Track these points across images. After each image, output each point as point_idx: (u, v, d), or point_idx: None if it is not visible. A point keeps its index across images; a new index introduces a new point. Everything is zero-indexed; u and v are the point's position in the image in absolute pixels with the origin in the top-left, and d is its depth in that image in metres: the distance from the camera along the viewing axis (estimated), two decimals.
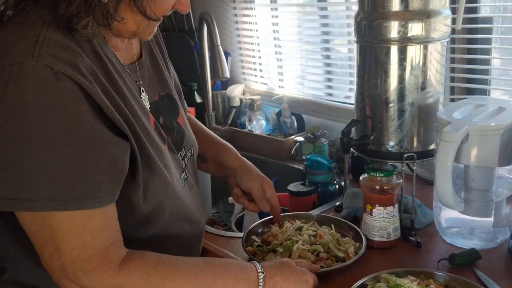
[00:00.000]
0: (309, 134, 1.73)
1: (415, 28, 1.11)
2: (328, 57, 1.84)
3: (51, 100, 0.72)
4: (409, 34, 1.11)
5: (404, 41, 1.12)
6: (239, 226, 1.45)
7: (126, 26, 0.83)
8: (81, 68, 0.75)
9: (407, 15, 1.10)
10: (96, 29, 0.78)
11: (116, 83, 0.83)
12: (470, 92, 1.45)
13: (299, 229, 1.15)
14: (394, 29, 1.11)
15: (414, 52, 1.13)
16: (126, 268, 0.79)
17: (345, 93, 1.80)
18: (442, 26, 1.13)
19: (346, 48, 1.80)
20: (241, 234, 1.19)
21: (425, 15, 1.10)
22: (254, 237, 1.17)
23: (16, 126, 0.71)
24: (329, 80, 1.85)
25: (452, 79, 1.46)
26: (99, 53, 0.82)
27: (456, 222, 1.15)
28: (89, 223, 0.76)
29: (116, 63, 0.87)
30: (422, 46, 1.13)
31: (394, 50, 1.13)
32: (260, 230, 1.21)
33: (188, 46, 2.17)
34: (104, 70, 0.81)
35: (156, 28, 0.90)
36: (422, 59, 1.14)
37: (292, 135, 1.81)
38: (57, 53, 0.74)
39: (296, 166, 1.70)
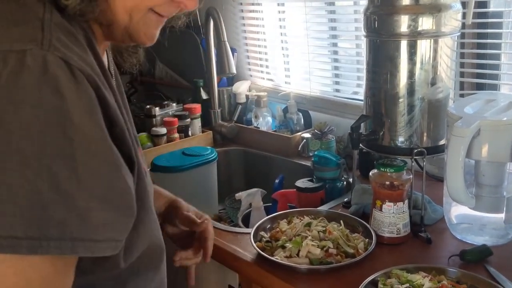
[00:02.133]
0: (316, 131, 1.72)
1: (426, 22, 1.10)
2: (335, 52, 1.83)
3: (67, 106, 0.51)
4: (420, 29, 1.10)
5: (414, 35, 1.11)
6: (246, 223, 1.44)
7: (116, 13, 0.61)
8: (94, 67, 0.56)
9: (417, 9, 1.09)
10: (87, 7, 0.58)
11: (115, 92, 0.61)
12: (480, 87, 1.44)
13: (308, 225, 1.14)
14: (404, 23, 1.10)
15: (424, 47, 1.12)
16: None
17: (353, 89, 1.78)
18: (452, 21, 1.12)
19: (353, 43, 1.79)
20: (249, 230, 1.19)
21: (435, 9, 1.09)
22: (262, 232, 1.16)
23: (7, 139, 0.49)
24: (337, 76, 1.84)
25: (462, 74, 1.45)
26: (95, 49, 0.60)
27: (467, 218, 1.14)
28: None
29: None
30: (432, 40, 1.12)
31: (404, 45, 1.12)
32: (269, 225, 1.20)
33: (194, 42, 2.16)
34: (103, 72, 0.59)
35: (157, 32, 0.69)
36: (432, 54, 1.13)
37: (299, 131, 1.80)
38: (68, 45, 0.54)
39: (302, 163, 1.69)
